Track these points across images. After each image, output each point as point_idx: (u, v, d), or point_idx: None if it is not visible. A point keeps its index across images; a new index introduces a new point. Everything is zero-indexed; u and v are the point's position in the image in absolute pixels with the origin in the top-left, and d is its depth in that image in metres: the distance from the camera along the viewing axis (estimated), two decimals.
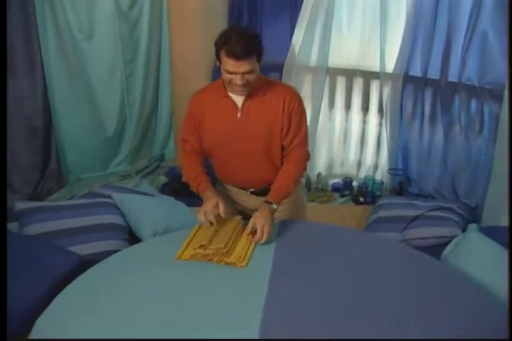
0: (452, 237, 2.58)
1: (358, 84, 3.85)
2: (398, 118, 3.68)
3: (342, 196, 3.85)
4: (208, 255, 1.91)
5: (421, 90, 3.53)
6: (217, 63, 1.98)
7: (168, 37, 4.04)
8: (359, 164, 4.05)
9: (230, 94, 2.07)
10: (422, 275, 1.83)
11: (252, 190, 2.28)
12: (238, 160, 2.17)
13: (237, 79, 1.94)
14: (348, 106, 3.93)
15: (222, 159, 2.22)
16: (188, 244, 1.99)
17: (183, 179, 2.30)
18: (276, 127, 2.09)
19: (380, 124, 3.84)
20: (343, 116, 3.98)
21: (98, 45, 3.90)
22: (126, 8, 3.93)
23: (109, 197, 3.05)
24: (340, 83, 3.90)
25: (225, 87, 2.07)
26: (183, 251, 1.96)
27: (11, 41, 3.47)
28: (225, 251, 1.91)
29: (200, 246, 1.92)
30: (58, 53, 3.78)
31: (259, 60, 1.96)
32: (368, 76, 3.79)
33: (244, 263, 1.91)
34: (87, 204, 2.96)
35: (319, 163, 4.07)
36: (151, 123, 4.41)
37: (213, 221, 2.03)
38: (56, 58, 3.78)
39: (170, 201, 3.30)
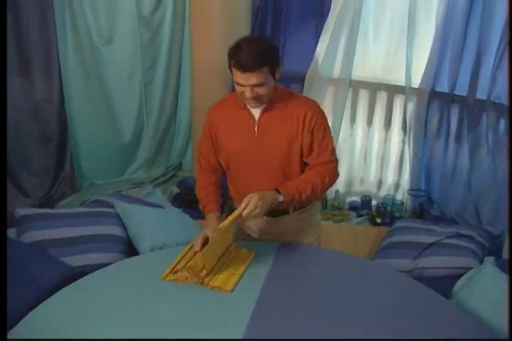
0: (467, 269, 2.40)
1: (382, 98, 3.67)
2: (422, 136, 3.49)
3: (359, 216, 3.67)
4: (187, 278, 1.80)
5: (447, 107, 3.34)
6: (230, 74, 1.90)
7: (189, 44, 3.95)
8: (379, 183, 3.86)
9: (247, 106, 1.98)
10: (424, 314, 1.64)
11: None
12: (253, 177, 2.05)
13: (247, 92, 1.84)
14: (370, 121, 3.75)
15: (237, 175, 2.11)
16: (174, 265, 1.89)
17: (197, 195, 2.18)
18: (295, 144, 1.97)
19: (403, 142, 3.65)
20: (364, 131, 3.80)
21: (117, 50, 3.85)
22: (147, 13, 3.86)
23: (113, 206, 2.99)
24: (363, 97, 3.73)
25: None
26: (168, 273, 1.86)
27: (28, 42, 3.47)
28: (202, 274, 1.79)
29: (176, 271, 1.83)
30: (76, 57, 3.74)
31: (272, 72, 1.85)
32: (392, 90, 3.61)
33: (229, 288, 1.78)
34: (89, 213, 2.91)
35: (338, 180, 3.87)
36: (169, 131, 4.32)
37: (197, 246, 1.90)
38: (74, 62, 3.74)
39: (176, 214, 3.21)
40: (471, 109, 3.21)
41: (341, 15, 3.52)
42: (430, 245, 2.73)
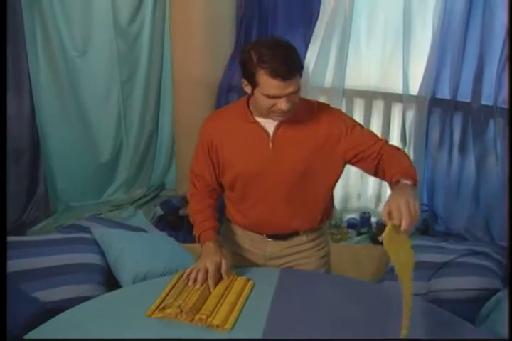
0: (490, 290, 2.14)
1: (378, 107, 3.45)
2: (423, 147, 3.28)
3: (359, 234, 3.41)
4: (177, 315, 1.52)
5: (449, 114, 3.13)
6: (245, 86, 1.60)
7: (170, 55, 3.72)
8: (378, 197, 3.61)
9: (257, 119, 1.69)
10: None
11: (270, 233, 1.85)
12: (263, 199, 1.76)
13: (282, 104, 1.55)
14: None
15: (243, 196, 1.80)
16: (161, 300, 1.59)
17: (190, 219, 1.89)
18: (320, 159, 1.69)
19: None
20: None
21: (93, 62, 3.60)
22: (125, 23, 3.63)
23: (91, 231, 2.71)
24: (358, 106, 3.51)
25: (250, 110, 1.69)
26: (154, 309, 1.57)
27: None
28: (188, 307, 1.52)
29: (164, 308, 1.55)
30: (48, 70, 3.48)
31: (301, 76, 1.58)
32: (390, 99, 3.40)
33: (229, 326, 1.50)
34: (63, 240, 2.63)
35: (334, 196, 3.63)
36: (150, 149, 4.04)
37: (199, 283, 1.63)
38: (46, 75, 3.48)
39: (161, 238, 2.94)
40: (476, 115, 3.00)
41: (331, 22, 3.34)
42: (444, 264, 2.48)
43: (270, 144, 1.69)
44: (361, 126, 1.73)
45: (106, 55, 3.63)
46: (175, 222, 3.54)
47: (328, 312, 1.56)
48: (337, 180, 1.78)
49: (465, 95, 3.04)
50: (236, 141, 1.73)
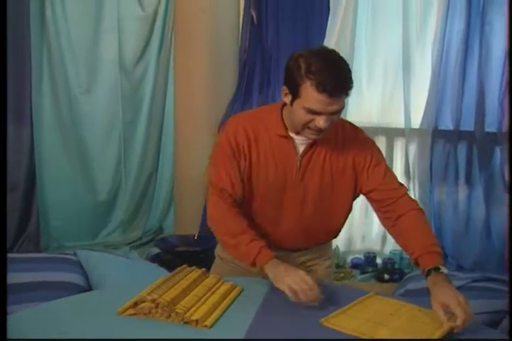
0: (503, 312, 1.95)
1: (381, 143, 3.36)
2: (428, 181, 3.17)
3: (363, 273, 3.19)
4: (151, 311, 1.38)
5: (453, 145, 3.07)
6: (284, 95, 1.49)
7: (172, 98, 3.75)
8: (384, 238, 3.44)
9: (291, 135, 1.57)
10: None
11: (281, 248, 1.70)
12: (279, 221, 1.65)
13: (321, 121, 1.43)
14: None
15: (258, 211, 1.65)
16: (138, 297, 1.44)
17: (225, 249, 1.70)
18: (343, 186, 1.61)
19: (407, 189, 3.28)
20: None
21: (96, 100, 3.61)
22: (130, 64, 3.69)
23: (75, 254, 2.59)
24: None
25: (284, 122, 1.57)
26: (128, 306, 1.41)
27: None
28: (165, 301, 1.37)
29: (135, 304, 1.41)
30: (51, 104, 3.49)
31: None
32: (392, 133, 3.35)
33: (208, 323, 1.35)
34: (46, 259, 2.54)
35: (337, 237, 3.45)
36: (149, 191, 3.94)
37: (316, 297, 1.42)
38: (48, 109, 3.48)
39: (149, 267, 2.78)
40: (481, 143, 2.93)
41: None
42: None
43: (298, 163, 1.58)
44: (387, 166, 1.67)
45: (110, 94, 3.66)
46: (170, 261, 3.35)
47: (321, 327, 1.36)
48: (349, 210, 1.69)
49: (468, 124, 3.01)
50: (263, 154, 1.59)
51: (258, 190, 1.61)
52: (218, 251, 1.83)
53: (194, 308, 1.39)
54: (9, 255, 2.55)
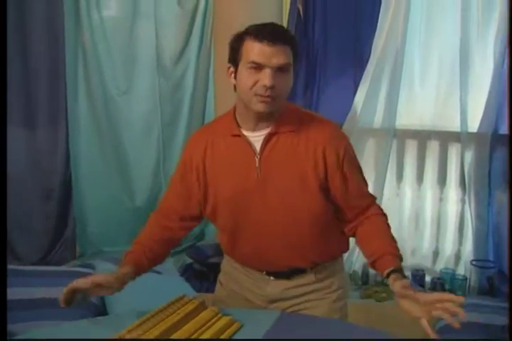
0: None
1: (433, 149, 3.08)
2: (486, 193, 2.85)
3: None
4: None
5: None
6: (230, 74, 1.42)
7: (213, 99, 3.59)
8: (435, 254, 3.14)
9: (244, 133, 1.43)
10: None
11: (269, 270, 1.54)
12: (253, 231, 1.47)
13: (266, 78, 1.32)
14: (420, 177, 3.13)
15: (229, 227, 1.51)
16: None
17: None
18: (311, 184, 1.40)
19: (463, 201, 3.00)
20: (414, 190, 3.16)
21: (134, 102, 3.54)
22: (169, 64, 3.57)
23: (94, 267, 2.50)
24: (411, 148, 3.15)
25: (236, 120, 1.45)
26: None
27: (35, 86, 3.22)
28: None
29: None
30: (87, 106, 3.45)
31: (295, 61, 1.38)
32: (446, 138, 3.04)
33: None
34: (61, 273, 2.45)
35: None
36: None
37: (62, 299, 1.31)
38: (84, 112, 3.44)
39: (173, 282, 2.66)
40: None
41: (381, 59, 3.09)
42: (503, 328, 1.98)
43: (257, 163, 1.41)
44: (357, 169, 1.48)
45: (148, 96, 3.57)
46: (203, 272, 3.21)
47: None
48: (324, 212, 1.46)
49: None
50: (218, 160, 1.47)
51: (222, 202, 1.47)
52: (220, 275, 1.70)
53: None
54: (25, 268, 2.53)
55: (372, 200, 1.50)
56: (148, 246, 1.50)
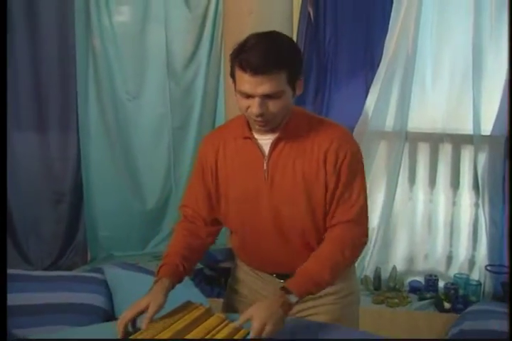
0: None
1: (446, 152, 3.03)
2: (500, 196, 2.81)
3: (421, 299, 2.84)
4: None
5: None
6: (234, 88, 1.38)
7: (224, 104, 3.58)
8: (449, 258, 3.08)
9: (254, 135, 1.44)
10: None
11: (279, 273, 1.54)
12: (262, 233, 1.47)
13: (254, 106, 1.30)
14: (433, 180, 3.09)
15: (241, 231, 1.53)
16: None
17: None
18: (317, 187, 1.39)
19: (476, 205, 2.95)
20: (426, 194, 3.11)
21: (144, 106, 3.54)
22: (179, 68, 3.56)
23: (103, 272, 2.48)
24: (423, 151, 3.11)
25: (248, 122, 1.44)
26: None
27: (46, 92, 3.24)
28: None
29: None
30: (97, 111, 3.45)
31: (292, 81, 1.33)
32: (458, 141, 2.99)
33: None
34: (70, 278, 2.42)
35: (395, 255, 3.14)
36: None
37: (120, 334, 1.30)
38: (94, 116, 3.45)
39: (184, 286, 2.61)
40: None
41: (393, 62, 3.06)
42: None
43: (265, 165, 1.41)
44: (355, 177, 1.42)
45: (158, 100, 3.57)
46: (214, 277, 3.19)
47: None
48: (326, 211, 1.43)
49: None
50: (229, 161, 1.48)
51: (233, 203, 1.49)
52: (230, 280, 1.71)
53: None
54: (34, 272, 2.52)
55: (350, 218, 1.41)
56: (181, 256, 1.47)
